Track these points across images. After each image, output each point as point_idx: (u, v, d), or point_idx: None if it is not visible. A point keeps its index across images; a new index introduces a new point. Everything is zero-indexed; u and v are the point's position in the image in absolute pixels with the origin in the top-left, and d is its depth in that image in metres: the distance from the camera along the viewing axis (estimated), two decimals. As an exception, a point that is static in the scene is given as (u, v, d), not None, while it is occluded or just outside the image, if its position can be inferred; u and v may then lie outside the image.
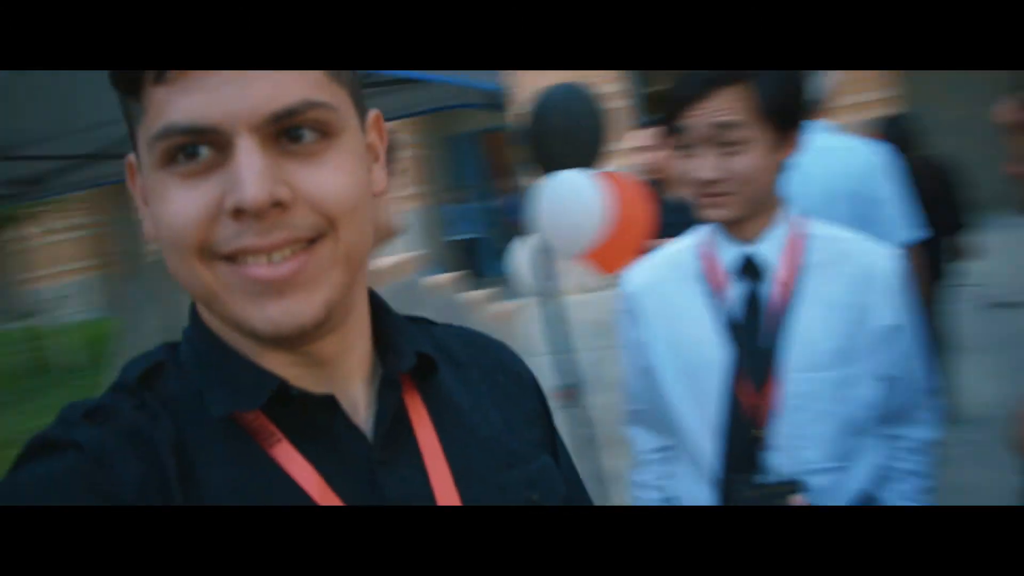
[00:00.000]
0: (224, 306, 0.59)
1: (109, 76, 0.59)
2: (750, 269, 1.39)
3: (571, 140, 2.68)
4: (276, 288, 0.58)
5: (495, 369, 0.81)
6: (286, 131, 0.57)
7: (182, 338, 0.68)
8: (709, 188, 1.33)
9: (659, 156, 3.10)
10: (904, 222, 2.11)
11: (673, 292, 1.48)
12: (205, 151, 0.56)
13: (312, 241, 0.59)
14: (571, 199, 2.62)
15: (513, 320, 7.44)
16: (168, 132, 0.56)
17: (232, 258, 0.58)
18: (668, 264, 1.53)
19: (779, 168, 1.37)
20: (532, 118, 2.73)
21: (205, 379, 0.63)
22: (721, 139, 1.30)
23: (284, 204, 0.57)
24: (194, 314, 0.67)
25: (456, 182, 13.60)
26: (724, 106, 1.29)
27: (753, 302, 1.39)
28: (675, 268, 1.50)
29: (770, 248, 1.39)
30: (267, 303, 0.58)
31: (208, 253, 0.58)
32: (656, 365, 1.49)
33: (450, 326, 0.83)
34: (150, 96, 0.57)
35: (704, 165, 1.32)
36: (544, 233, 2.72)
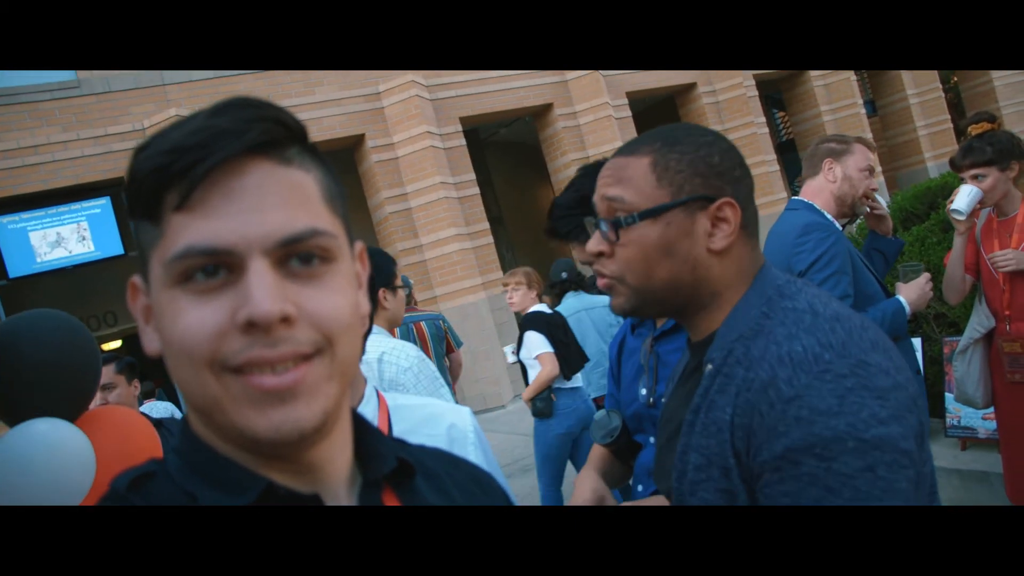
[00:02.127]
0: (227, 415, 0.64)
1: (128, 205, 0.66)
2: None
3: (48, 379, 2.09)
4: (279, 396, 0.63)
5: (468, 482, 0.87)
6: (294, 255, 0.65)
7: (171, 451, 0.72)
8: None
9: (111, 396, 3.37)
10: None
11: None
12: (220, 271, 0.63)
13: (311, 356, 0.65)
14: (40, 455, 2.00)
15: None
16: (188, 253, 0.62)
17: (239, 370, 0.63)
18: None
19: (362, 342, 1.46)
20: None
21: (195, 482, 0.68)
22: None
23: (290, 320, 0.63)
24: (185, 427, 0.72)
25: None
26: None
27: None
28: None
29: None
30: (270, 410, 0.63)
31: (218, 365, 0.63)
32: None
33: (422, 445, 0.89)
34: (169, 222, 0.64)
35: None
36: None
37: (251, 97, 0.67)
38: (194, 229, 0.62)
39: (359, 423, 0.78)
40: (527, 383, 4.82)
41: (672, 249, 1.12)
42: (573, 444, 4.68)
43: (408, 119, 10.89)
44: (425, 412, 1.50)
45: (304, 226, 0.65)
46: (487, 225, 11.51)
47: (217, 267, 0.63)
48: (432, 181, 10.86)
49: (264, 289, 0.62)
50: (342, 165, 11.62)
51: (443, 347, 5.03)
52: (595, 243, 1.17)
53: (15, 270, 9.08)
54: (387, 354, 2.74)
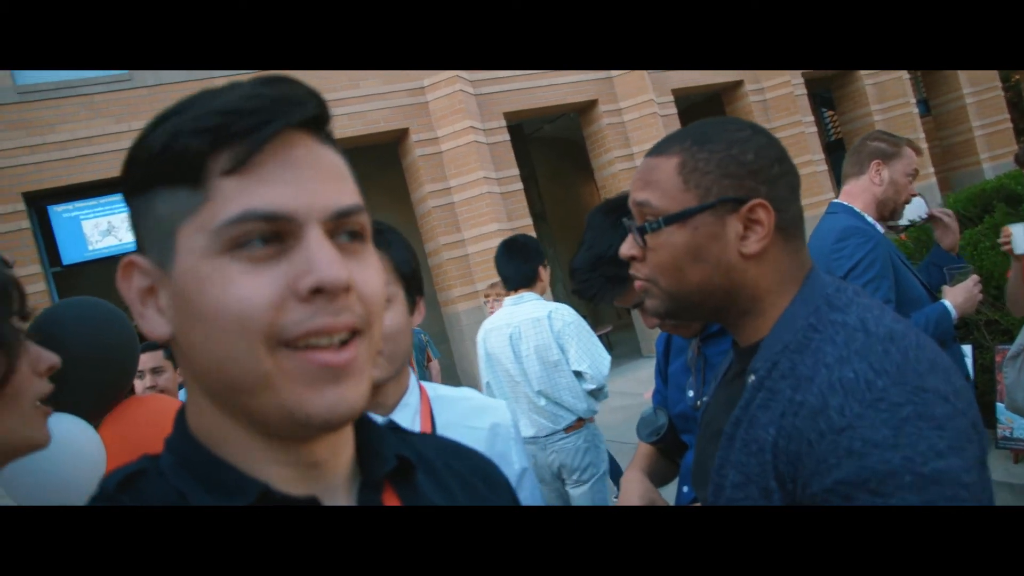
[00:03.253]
0: (276, 395, 0.61)
1: (149, 171, 0.63)
2: None
3: (87, 366, 2.12)
4: (334, 374, 0.62)
5: (472, 475, 0.84)
6: (342, 229, 0.65)
7: (164, 449, 0.70)
8: None
9: (160, 380, 3.39)
10: None
11: None
12: (265, 243, 0.61)
13: (359, 333, 0.64)
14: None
15: None
16: (247, 217, 0.60)
17: (294, 345, 0.61)
18: None
19: (412, 334, 1.43)
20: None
21: (188, 483, 0.65)
22: None
23: (350, 288, 0.62)
24: (180, 424, 0.69)
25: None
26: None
27: None
28: None
29: (407, 414, 1.45)
30: (326, 389, 0.61)
31: (274, 338, 0.60)
32: None
33: (424, 434, 0.88)
34: (217, 186, 0.61)
35: None
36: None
37: (287, 75, 0.66)
38: (252, 194, 0.60)
39: (360, 419, 0.76)
40: None
41: (701, 254, 1.08)
42: None
43: (452, 114, 10.92)
44: (468, 405, 1.51)
45: (352, 201, 0.65)
46: (530, 221, 11.49)
47: (272, 235, 0.61)
48: (475, 176, 10.87)
49: (329, 256, 0.61)
50: (386, 159, 11.70)
51: (423, 356, 5.86)
52: (626, 247, 1.14)
53: (68, 257, 9.30)
54: (554, 312, 3.17)
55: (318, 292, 0.60)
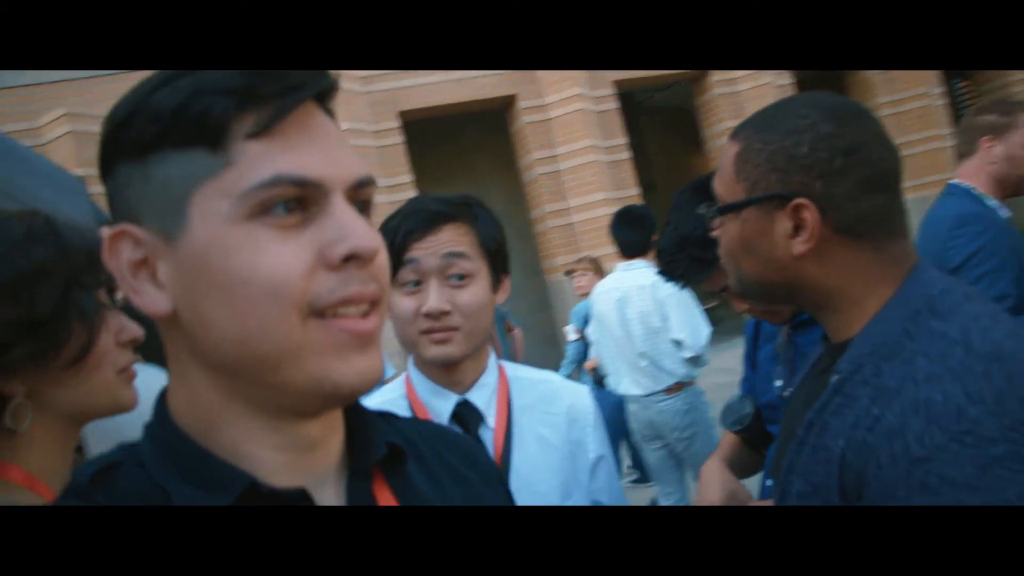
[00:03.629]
0: (305, 365, 0.60)
1: (173, 125, 0.59)
2: (466, 418, 1.38)
3: None
4: (363, 343, 0.61)
5: (460, 461, 0.82)
6: (358, 200, 0.63)
7: (143, 436, 0.66)
8: (436, 322, 1.32)
9: None
10: None
11: None
12: (294, 209, 0.59)
13: (377, 302, 0.63)
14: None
15: None
16: (277, 181, 0.58)
17: (323, 313, 0.59)
18: None
19: (493, 312, 1.40)
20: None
21: (171, 475, 0.62)
22: (450, 271, 1.31)
23: (377, 256, 0.61)
24: (161, 410, 0.66)
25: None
26: (455, 238, 1.32)
27: None
28: None
29: (483, 395, 1.40)
30: (354, 358, 0.61)
31: (307, 307, 0.59)
32: None
33: (413, 419, 0.85)
34: (241, 149, 0.58)
35: (434, 296, 1.31)
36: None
37: None
38: (279, 159, 0.58)
39: (350, 404, 0.73)
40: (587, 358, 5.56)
41: (752, 248, 1.03)
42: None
43: (561, 80, 10.84)
44: (546, 388, 1.47)
45: (368, 172, 0.64)
46: (638, 191, 11.35)
47: (298, 201, 0.59)
48: (583, 144, 10.79)
49: (359, 223, 0.60)
50: (493, 126, 11.73)
51: (503, 326, 6.23)
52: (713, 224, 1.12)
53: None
54: (659, 281, 3.10)
55: (350, 260, 0.59)
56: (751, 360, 2.06)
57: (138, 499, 0.61)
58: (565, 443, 1.41)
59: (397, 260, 1.31)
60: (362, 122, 10.20)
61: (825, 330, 1.08)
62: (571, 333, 5.86)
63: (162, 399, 0.66)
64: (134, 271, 0.61)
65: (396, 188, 10.31)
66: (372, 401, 1.46)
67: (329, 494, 0.67)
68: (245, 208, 0.58)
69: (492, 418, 1.39)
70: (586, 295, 5.25)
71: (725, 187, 1.06)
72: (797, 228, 0.98)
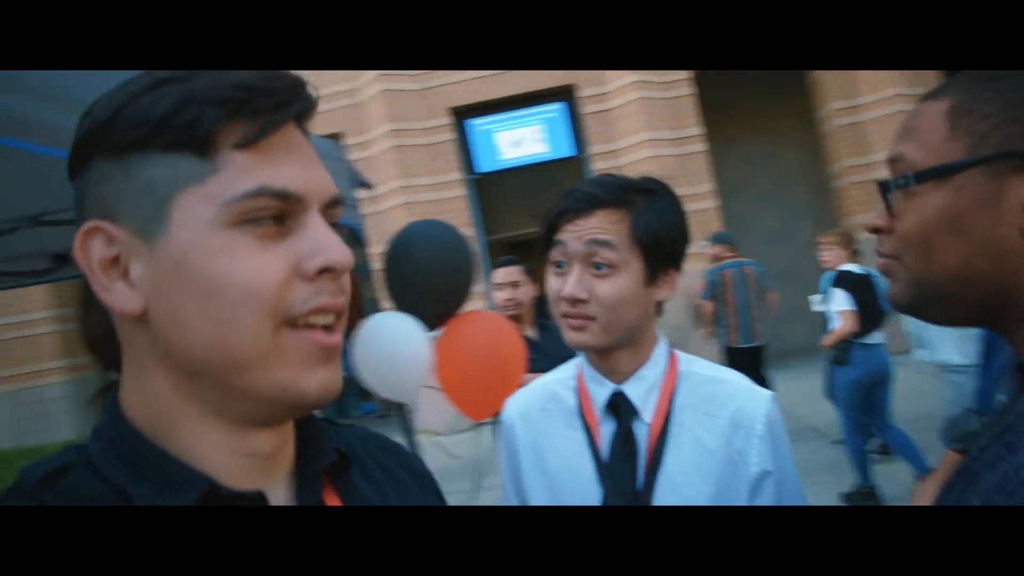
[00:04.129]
0: (273, 372, 0.61)
1: (162, 130, 0.59)
2: (620, 409, 1.34)
3: (429, 279, 2.47)
4: (327, 356, 0.63)
5: (398, 468, 0.83)
6: (328, 217, 0.65)
7: (91, 437, 0.66)
8: (572, 308, 1.29)
9: (518, 293, 3.29)
10: None
11: (548, 425, 1.43)
12: (273, 221, 0.61)
13: (342, 315, 0.65)
14: (385, 345, 2.46)
15: None
16: (262, 192, 0.60)
17: (295, 323, 0.61)
18: (545, 396, 1.47)
19: (651, 305, 1.32)
20: (389, 255, 2.55)
21: (127, 475, 0.62)
22: (593, 259, 1.26)
23: (346, 271, 0.64)
24: (114, 410, 0.66)
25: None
26: (602, 225, 1.26)
27: (627, 442, 1.33)
28: (551, 400, 1.44)
29: (640, 388, 1.34)
30: (318, 369, 0.63)
31: (280, 315, 0.61)
32: (531, 501, 1.44)
33: (351, 427, 0.85)
34: (228, 158, 0.60)
35: (572, 282, 1.28)
36: (362, 376, 2.55)
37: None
38: (264, 171, 0.60)
39: None
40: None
41: (962, 225, 0.80)
42: (868, 394, 5.13)
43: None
44: (715, 390, 1.35)
45: (338, 192, 0.67)
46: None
47: (278, 214, 0.61)
48: (887, 93, 9.80)
49: (334, 238, 0.63)
50: (790, 78, 11.02)
51: (735, 291, 6.58)
52: (873, 214, 0.89)
53: (482, 166, 10.38)
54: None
55: (324, 272, 0.62)
56: (986, 368, 1.77)
57: (92, 500, 0.61)
58: (725, 450, 1.30)
59: (548, 239, 1.32)
60: (653, 73, 10.08)
61: (1016, 349, 0.86)
62: (817, 303, 5.67)
63: (113, 400, 0.67)
64: (105, 268, 0.62)
65: (685, 140, 10.11)
66: (549, 378, 1.49)
67: (281, 498, 0.69)
68: (229, 216, 0.59)
69: (649, 413, 1.33)
70: (831, 269, 5.34)
71: (927, 150, 0.83)
72: None
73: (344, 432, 0.82)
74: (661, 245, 1.28)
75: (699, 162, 10.15)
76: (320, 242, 0.62)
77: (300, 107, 0.63)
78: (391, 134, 10.00)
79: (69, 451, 0.65)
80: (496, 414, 1.94)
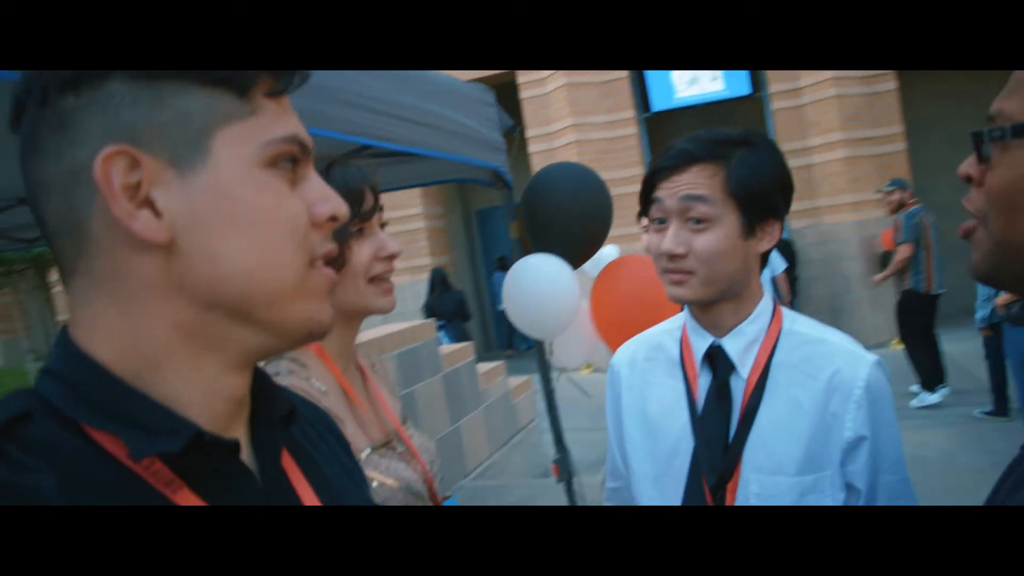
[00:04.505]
0: (299, 304, 0.65)
1: (221, 73, 0.61)
2: (718, 362, 1.36)
3: (569, 221, 2.44)
4: (330, 292, 0.69)
5: (324, 429, 0.86)
6: None
7: (43, 379, 0.62)
8: (671, 263, 1.31)
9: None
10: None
11: (651, 373, 1.47)
12: (293, 168, 0.66)
13: None
14: (531, 285, 2.45)
15: (519, 394, 6.79)
16: (293, 140, 0.65)
17: (314, 263, 0.66)
18: (651, 345, 1.51)
19: (753, 258, 1.33)
20: (528, 196, 2.51)
21: (104, 419, 0.59)
22: (689, 214, 1.28)
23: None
24: (71, 349, 0.62)
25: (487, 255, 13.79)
26: (696, 180, 1.28)
27: (722, 395, 1.35)
28: (656, 349, 1.49)
29: (739, 343, 1.35)
30: (325, 303, 0.68)
31: (309, 254, 0.65)
32: (628, 445, 1.48)
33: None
34: (262, 104, 0.64)
35: (668, 237, 1.30)
36: (509, 315, 2.56)
37: None
38: (289, 122, 0.65)
39: None
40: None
41: None
42: None
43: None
44: (816, 350, 1.34)
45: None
46: None
47: (295, 161, 0.66)
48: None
49: (332, 191, 0.68)
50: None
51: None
52: (965, 165, 0.83)
53: (656, 104, 10.21)
54: None
55: (333, 220, 0.67)
56: None
57: (62, 449, 0.57)
58: (820, 412, 1.29)
59: (647, 197, 1.35)
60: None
61: None
62: None
63: (66, 338, 0.63)
64: (130, 194, 0.59)
65: (874, 79, 9.54)
66: (657, 328, 1.54)
67: (244, 446, 0.69)
68: (266, 156, 0.63)
69: (747, 368, 1.34)
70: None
71: None
72: None
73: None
74: (757, 197, 1.28)
75: (889, 101, 9.57)
76: (327, 193, 0.67)
77: (306, 75, 0.68)
78: (565, 72, 10.03)
79: (20, 395, 0.60)
80: None
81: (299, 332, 0.66)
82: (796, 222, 10.03)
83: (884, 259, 9.10)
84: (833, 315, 9.83)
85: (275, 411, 0.73)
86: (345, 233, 1.32)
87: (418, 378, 5.15)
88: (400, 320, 12.18)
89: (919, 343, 6.57)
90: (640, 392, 1.47)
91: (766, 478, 1.30)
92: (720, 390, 1.35)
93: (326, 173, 1.34)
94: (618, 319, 2.73)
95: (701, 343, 1.38)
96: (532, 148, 10.46)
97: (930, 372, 6.55)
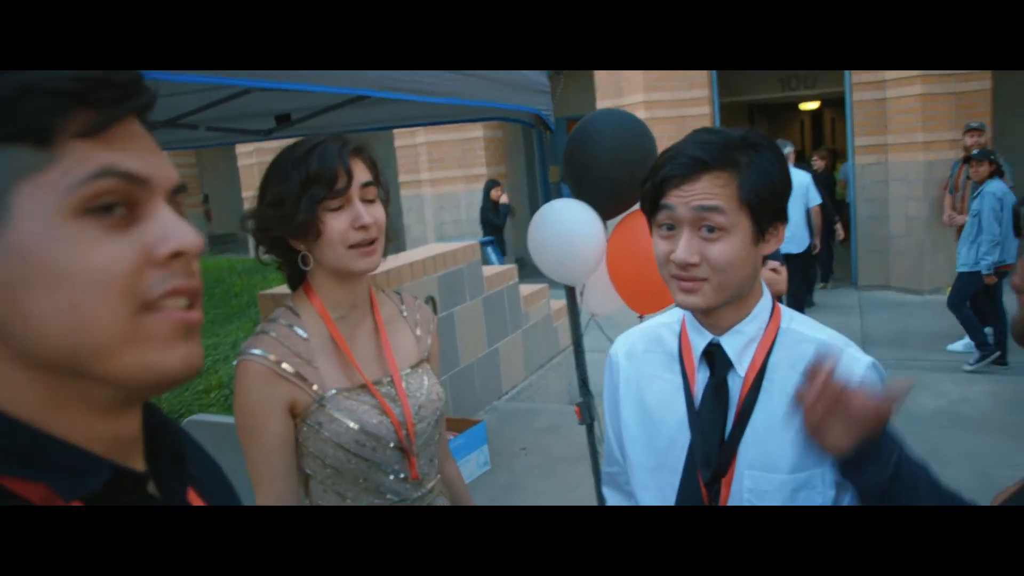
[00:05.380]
0: (132, 354, 0.62)
1: (9, 123, 0.59)
2: (716, 360, 1.38)
3: (608, 169, 2.45)
4: (188, 332, 0.65)
5: (199, 453, 0.87)
6: (173, 204, 0.67)
7: None
8: (684, 271, 1.30)
9: None
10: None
11: (649, 366, 1.50)
12: (119, 210, 0.61)
13: (195, 297, 0.67)
14: (555, 230, 2.44)
15: (561, 316, 6.65)
16: (104, 174, 0.60)
17: (152, 306, 0.63)
18: (650, 337, 1.53)
19: (759, 260, 1.35)
20: (571, 142, 2.50)
21: (13, 465, 0.60)
22: (703, 223, 1.28)
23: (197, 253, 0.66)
24: None
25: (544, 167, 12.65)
26: (710, 190, 1.27)
27: (719, 392, 1.38)
28: (655, 342, 1.51)
29: (737, 342, 1.37)
30: (180, 346, 0.64)
31: (136, 300, 0.62)
32: (625, 434, 1.51)
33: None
34: (68, 146, 0.60)
35: (683, 247, 1.29)
36: (534, 258, 2.57)
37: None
38: (105, 155, 0.61)
39: None
40: None
41: None
42: None
43: None
44: (811, 350, 1.32)
45: (183, 180, 0.69)
46: None
47: (122, 202, 0.62)
48: None
49: (181, 222, 0.65)
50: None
51: None
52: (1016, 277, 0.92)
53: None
54: None
55: (175, 257, 0.63)
56: None
57: None
58: None
59: (655, 202, 1.33)
60: None
61: None
62: None
63: None
64: None
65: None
66: (656, 321, 1.54)
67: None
68: (73, 203, 0.59)
69: (744, 366, 1.36)
70: None
71: None
72: None
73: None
74: (768, 202, 1.29)
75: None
76: (169, 227, 0.63)
77: (141, 101, 0.64)
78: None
79: None
80: (659, 311, 2.07)
81: (140, 383, 0.64)
82: (862, 158, 9.73)
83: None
84: (890, 256, 9.63)
85: (167, 447, 0.74)
86: (316, 207, 1.53)
87: (460, 300, 5.25)
88: (453, 226, 12.43)
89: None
90: (638, 383, 1.50)
91: (759, 474, 1.33)
92: (718, 387, 1.37)
93: (308, 153, 1.54)
94: (633, 273, 2.71)
95: (700, 340, 1.40)
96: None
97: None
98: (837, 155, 13.35)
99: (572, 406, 3.18)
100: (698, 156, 1.28)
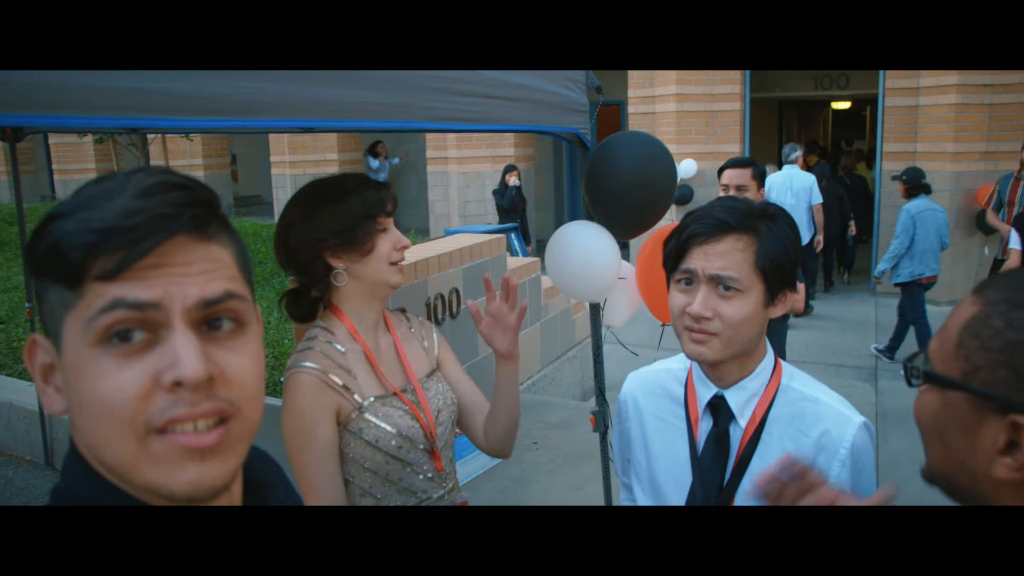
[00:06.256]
0: (143, 474, 0.68)
1: (38, 264, 0.69)
2: (719, 412, 1.47)
3: (627, 192, 2.54)
4: (200, 454, 0.67)
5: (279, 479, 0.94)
6: (212, 318, 0.70)
7: (64, 490, 0.74)
8: (697, 323, 1.39)
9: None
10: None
11: (657, 409, 1.60)
12: (139, 335, 0.66)
13: (229, 416, 0.69)
14: (569, 252, 2.53)
15: (580, 309, 6.64)
16: (116, 305, 0.65)
17: (162, 430, 0.66)
18: (657, 384, 1.63)
19: (766, 322, 1.44)
20: (592, 165, 2.57)
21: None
22: (721, 281, 1.38)
23: (213, 379, 0.68)
24: (82, 468, 0.73)
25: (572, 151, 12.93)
26: (730, 252, 1.37)
27: (720, 442, 1.47)
28: (662, 389, 1.61)
29: (740, 396, 1.46)
30: (189, 468, 0.67)
31: (142, 425, 0.66)
32: (632, 471, 1.64)
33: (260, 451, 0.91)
34: (92, 286, 0.66)
35: (698, 301, 1.38)
36: (553, 279, 2.65)
37: (176, 173, 0.71)
38: (120, 288, 0.66)
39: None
40: None
41: (946, 438, 0.86)
42: None
43: None
44: (807, 408, 1.45)
45: (222, 290, 0.70)
46: None
47: (139, 328, 0.66)
48: None
49: (190, 351, 0.66)
50: None
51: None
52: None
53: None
54: None
55: (179, 385, 0.66)
56: None
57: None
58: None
59: (679, 256, 1.44)
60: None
61: None
62: None
63: (77, 455, 0.74)
64: (44, 374, 0.72)
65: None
66: (664, 367, 1.66)
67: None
68: (93, 334, 0.66)
69: (745, 419, 1.46)
70: None
71: (941, 353, 0.87)
72: (1010, 446, 0.79)
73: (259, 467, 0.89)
74: (781, 270, 1.40)
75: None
76: (175, 355, 0.66)
77: (156, 239, 0.66)
78: None
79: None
80: None
81: (159, 497, 0.69)
82: (890, 164, 9.68)
83: (979, 218, 8.79)
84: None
85: (267, 488, 0.85)
86: (374, 226, 1.80)
87: (483, 292, 5.32)
88: (476, 204, 12.45)
89: None
90: (645, 424, 1.62)
91: None
92: (719, 437, 1.48)
93: (362, 184, 1.81)
94: (661, 285, 2.77)
95: (706, 392, 1.50)
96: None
97: None
98: (863, 155, 13.27)
99: (585, 403, 3.28)
100: (723, 218, 1.39)
